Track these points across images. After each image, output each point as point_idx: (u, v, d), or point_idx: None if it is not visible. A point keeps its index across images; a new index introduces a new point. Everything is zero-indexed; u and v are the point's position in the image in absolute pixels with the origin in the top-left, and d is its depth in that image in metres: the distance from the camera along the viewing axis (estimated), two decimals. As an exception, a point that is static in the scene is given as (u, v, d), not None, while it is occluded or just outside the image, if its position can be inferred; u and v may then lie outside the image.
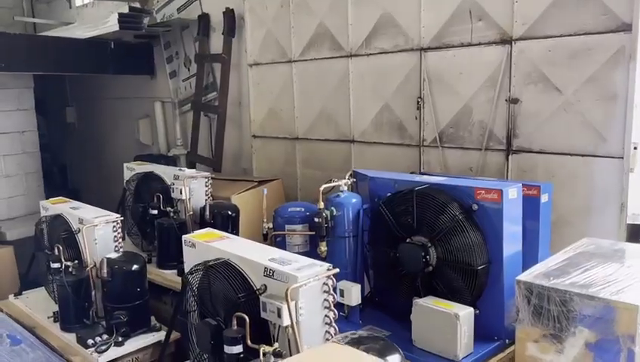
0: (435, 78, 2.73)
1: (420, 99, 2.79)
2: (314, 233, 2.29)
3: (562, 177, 2.35)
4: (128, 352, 2.33)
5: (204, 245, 1.88)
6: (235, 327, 1.56)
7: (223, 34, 3.91)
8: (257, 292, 1.62)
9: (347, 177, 2.19)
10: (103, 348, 2.26)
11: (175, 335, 2.50)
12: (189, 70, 4.48)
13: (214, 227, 2.73)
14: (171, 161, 4.63)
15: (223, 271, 1.69)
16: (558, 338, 1.58)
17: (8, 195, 4.94)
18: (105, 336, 2.33)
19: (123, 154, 5.49)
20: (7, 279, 3.46)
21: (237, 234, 2.83)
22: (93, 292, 2.49)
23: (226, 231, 2.70)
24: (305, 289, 1.51)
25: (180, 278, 2.80)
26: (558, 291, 1.54)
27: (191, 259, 1.93)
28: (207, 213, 2.75)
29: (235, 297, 1.64)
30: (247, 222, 2.92)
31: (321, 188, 2.07)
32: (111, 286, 2.35)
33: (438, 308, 1.71)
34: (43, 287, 2.96)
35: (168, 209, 2.92)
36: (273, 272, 1.58)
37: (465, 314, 1.68)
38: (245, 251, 1.78)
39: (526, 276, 1.63)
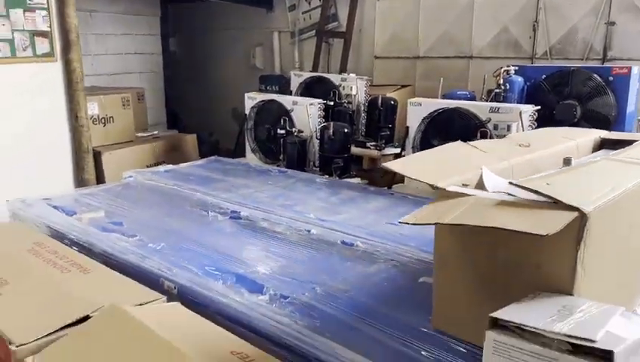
0: (549, 7, 3.75)
1: (535, 23, 3.82)
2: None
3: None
4: (343, 189, 3.40)
5: (430, 102, 2.93)
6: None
7: (351, -30, 4.86)
8: (484, 122, 2.68)
9: (510, 66, 3.23)
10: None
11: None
12: (309, 4, 5.44)
13: (381, 113, 3.81)
14: (289, 81, 5.62)
15: (459, 111, 2.75)
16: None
17: (142, 107, 5.91)
18: (326, 176, 3.40)
19: (233, 79, 6.47)
20: (193, 158, 4.49)
21: (397, 118, 3.89)
22: (313, 150, 3.56)
23: (393, 116, 3.79)
24: (525, 114, 2.58)
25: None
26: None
27: (416, 114, 2.98)
28: (380, 101, 3.78)
29: (469, 126, 2.71)
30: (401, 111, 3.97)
31: (502, 70, 3.13)
32: (332, 142, 3.41)
33: (590, 136, 2.80)
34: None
35: (342, 101, 3.97)
36: (498, 108, 2.64)
37: (607, 139, 2.78)
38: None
39: (642, 117, 2.71)
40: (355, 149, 3.81)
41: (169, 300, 1.45)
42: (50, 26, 3.25)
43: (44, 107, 3.34)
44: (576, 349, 0.89)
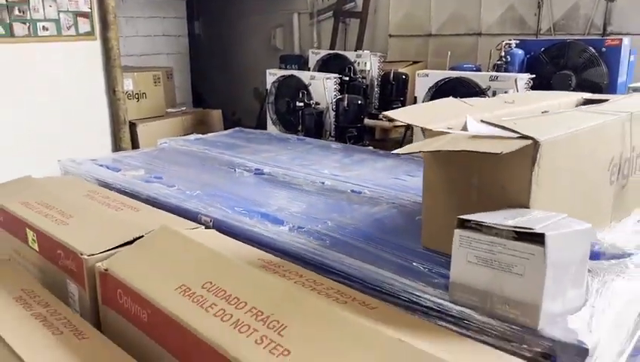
0: (553, -15, 3.98)
1: (540, 0, 4.03)
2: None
3: (642, 49, 3.62)
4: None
5: (436, 72, 3.19)
6: (478, 104, 2.89)
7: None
8: (484, 90, 2.94)
9: (512, 40, 3.47)
10: (346, 149, 3.62)
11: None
12: (327, -15, 5.70)
13: (393, 87, 4.07)
14: (307, 60, 5.90)
15: (462, 79, 3.01)
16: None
17: (168, 87, 6.25)
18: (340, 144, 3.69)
19: (254, 59, 6.76)
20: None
21: (407, 92, 4.15)
22: (329, 121, 3.85)
23: (404, 89, 4.05)
24: (520, 81, 2.83)
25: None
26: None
27: (424, 84, 3.24)
28: (392, 76, 4.05)
29: (470, 93, 2.96)
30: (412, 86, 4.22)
31: (503, 43, 3.37)
32: (346, 113, 3.70)
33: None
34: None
35: (357, 76, 4.24)
36: (497, 77, 2.90)
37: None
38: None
39: (632, 85, 2.93)
40: (368, 121, 4.09)
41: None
42: (91, 8, 3.58)
43: (85, 81, 3.69)
44: (520, 236, 1.17)
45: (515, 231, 1.17)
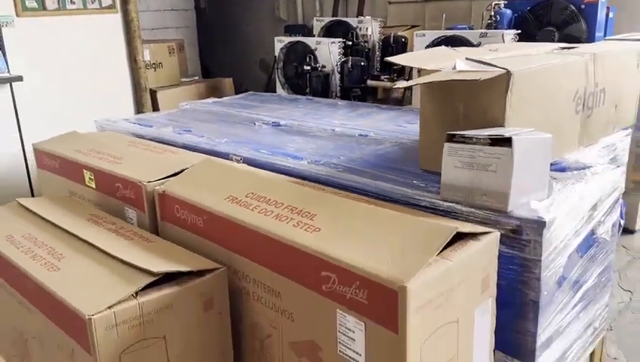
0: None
1: (529, -37, 4.30)
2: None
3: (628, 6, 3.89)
4: (361, 113, 4.02)
5: (432, 32, 3.50)
6: (470, 59, 3.21)
7: None
8: (475, 46, 3.24)
9: (501, 0, 3.76)
10: (352, 106, 3.95)
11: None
12: (328, -44, 5.94)
13: (393, 50, 4.37)
14: (311, 29, 6.18)
15: (456, 37, 3.32)
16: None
17: (177, 60, 6.54)
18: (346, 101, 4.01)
19: (259, 31, 7.02)
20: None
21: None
22: (335, 82, 4.16)
23: (404, 51, 4.35)
24: (507, 37, 3.14)
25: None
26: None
27: (421, 43, 3.55)
28: (392, 39, 4.35)
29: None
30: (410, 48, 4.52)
31: (493, 4, 3.66)
32: (351, 74, 4.01)
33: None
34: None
35: (359, 41, 4.54)
36: (487, 34, 3.20)
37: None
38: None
39: (610, 37, 3.23)
40: (370, 82, 4.40)
41: (238, 163, 2.11)
42: (111, -18, 3.89)
43: (109, 51, 4.00)
44: (494, 142, 1.51)
45: (490, 139, 1.51)
